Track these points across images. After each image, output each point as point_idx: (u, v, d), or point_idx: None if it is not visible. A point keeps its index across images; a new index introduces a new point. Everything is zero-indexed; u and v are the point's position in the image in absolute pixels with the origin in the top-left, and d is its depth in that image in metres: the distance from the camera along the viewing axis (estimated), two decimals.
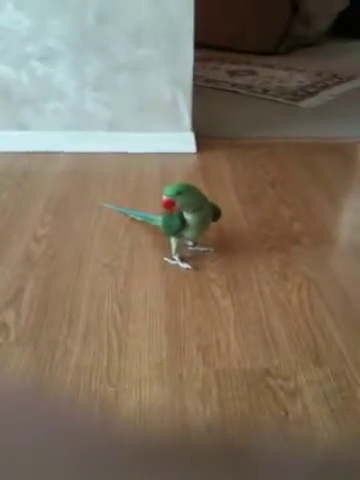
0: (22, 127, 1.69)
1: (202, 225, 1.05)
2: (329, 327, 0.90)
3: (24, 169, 1.57)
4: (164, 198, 0.97)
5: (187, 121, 1.70)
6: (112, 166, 1.61)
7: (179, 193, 0.97)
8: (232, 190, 1.44)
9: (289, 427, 0.71)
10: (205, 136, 1.80)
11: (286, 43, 3.16)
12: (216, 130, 1.91)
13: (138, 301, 0.96)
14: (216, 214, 1.09)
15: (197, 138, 1.73)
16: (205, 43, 2.93)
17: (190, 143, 1.72)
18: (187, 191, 0.99)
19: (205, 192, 1.42)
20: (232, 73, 2.72)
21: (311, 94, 2.34)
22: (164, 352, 0.83)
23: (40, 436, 0.19)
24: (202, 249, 1.13)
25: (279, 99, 2.27)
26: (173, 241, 1.08)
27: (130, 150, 1.70)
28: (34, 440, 0.18)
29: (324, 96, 2.32)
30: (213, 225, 1.11)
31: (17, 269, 1.05)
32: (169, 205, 0.98)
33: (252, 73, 2.73)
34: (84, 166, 1.60)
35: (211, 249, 1.13)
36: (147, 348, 0.84)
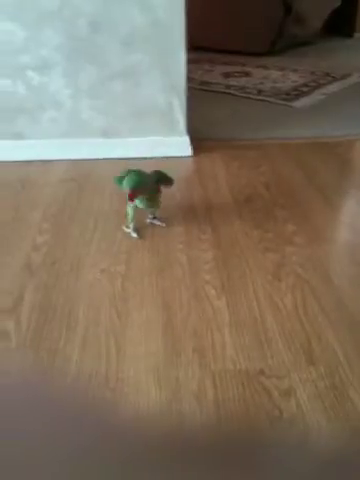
0: (19, 136, 1.71)
1: (150, 198, 1.20)
2: (323, 326, 0.92)
3: (21, 178, 1.59)
4: (129, 191, 1.14)
5: (182, 125, 1.72)
6: (109, 172, 1.63)
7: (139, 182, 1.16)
8: (227, 192, 1.46)
9: (283, 425, 0.73)
10: (200, 139, 1.82)
11: (280, 43, 3.19)
12: (211, 132, 1.93)
13: (135, 305, 0.98)
14: (163, 180, 1.24)
15: (192, 141, 1.75)
16: (198, 45, 2.96)
17: (186, 147, 1.74)
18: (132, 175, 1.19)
19: (201, 194, 1.45)
20: (226, 75, 2.74)
21: (304, 94, 2.36)
22: (161, 356, 0.85)
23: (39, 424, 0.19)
24: (157, 223, 1.27)
25: (273, 99, 2.29)
26: (129, 210, 1.22)
27: (126, 155, 1.72)
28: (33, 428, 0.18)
29: (317, 95, 2.34)
30: (211, 226, 1.13)
31: (17, 277, 1.07)
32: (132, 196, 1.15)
33: (246, 74, 2.75)
34: (81, 173, 1.63)
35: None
36: (144, 352, 0.86)
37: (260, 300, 0.99)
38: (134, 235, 1.23)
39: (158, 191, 1.22)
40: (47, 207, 1.40)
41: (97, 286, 1.04)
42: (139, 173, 1.19)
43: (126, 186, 1.18)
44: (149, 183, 1.18)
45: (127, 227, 1.25)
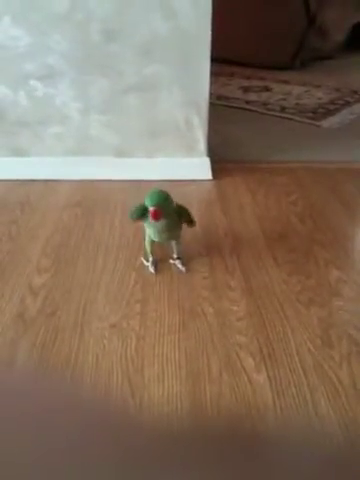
0: (19, 153, 1.53)
1: (167, 230, 1.01)
2: None
3: (21, 200, 1.40)
4: (152, 209, 0.93)
5: (202, 145, 1.54)
6: (120, 196, 1.45)
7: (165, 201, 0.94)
8: (256, 224, 1.27)
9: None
10: (220, 160, 1.64)
11: (301, 57, 3.01)
12: (232, 153, 1.75)
13: (153, 376, 0.79)
14: (185, 216, 1.04)
15: (212, 162, 1.57)
16: (213, 57, 2.78)
17: (205, 169, 1.55)
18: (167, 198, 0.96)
19: (225, 226, 1.26)
20: (245, 89, 2.57)
21: (332, 112, 2.18)
22: None
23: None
24: (179, 266, 1.08)
25: (298, 118, 2.11)
26: (147, 245, 1.07)
27: (140, 177, 1.53)
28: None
29: (346, 115, 2.15)
30: (240, 268, 0.94)
31: (7, 332, 0.88)
32: (157, 215, 0.94)
33: (267, 89, 2.57)
34: (89, 196, 1.44)
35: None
36: None
37: (310, 375, 0.79)
38: (152, 270, 1.06)
39: (179, 224, 1.03)
40: (49, 237, 1.21)
41: (105, 347, 0.84)
42: (162, 193, 0.96)
43: (149, 203, 0.94)
44: (171, 209, 0.98)
45: (146, 260, 1.09)
